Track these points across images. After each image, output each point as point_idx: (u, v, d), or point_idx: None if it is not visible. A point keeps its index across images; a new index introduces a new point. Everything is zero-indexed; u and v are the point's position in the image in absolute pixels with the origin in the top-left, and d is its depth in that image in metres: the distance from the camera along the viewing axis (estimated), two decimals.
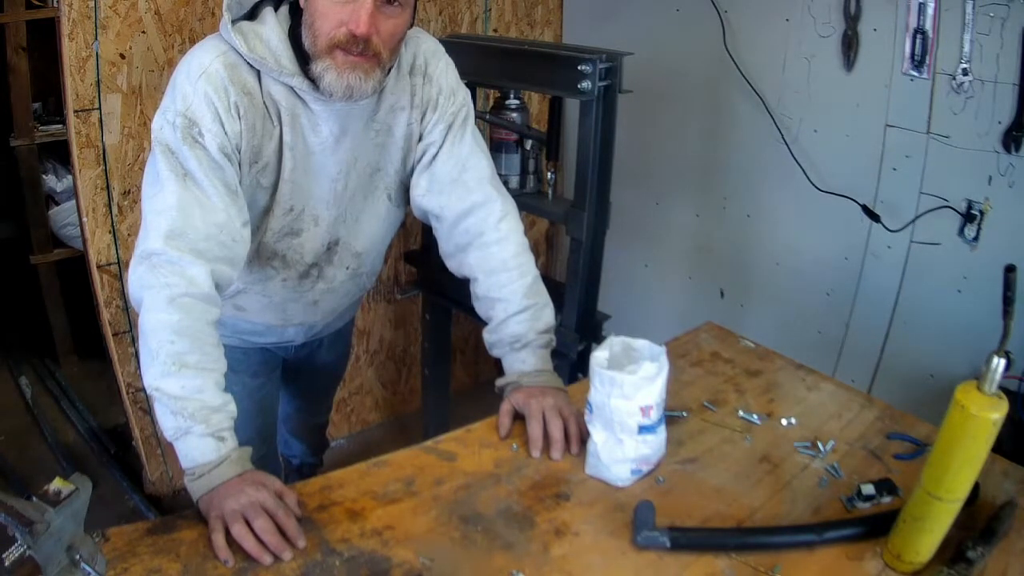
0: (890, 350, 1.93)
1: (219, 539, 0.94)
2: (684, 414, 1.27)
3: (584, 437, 1.14)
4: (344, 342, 1.80)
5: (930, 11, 1.66)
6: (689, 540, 0.98)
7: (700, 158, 2.29)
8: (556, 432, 1.17)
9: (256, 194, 1.20)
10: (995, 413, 0.83)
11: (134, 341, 1.98)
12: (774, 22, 1.98)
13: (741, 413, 1.27)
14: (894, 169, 1.83)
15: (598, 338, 1.84)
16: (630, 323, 1.62)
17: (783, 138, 2.00)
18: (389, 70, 1.19)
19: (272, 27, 1.13)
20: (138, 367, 1.17)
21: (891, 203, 1.84)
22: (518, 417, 1.23)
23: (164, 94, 1.13)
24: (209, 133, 1.09)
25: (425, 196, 1.31)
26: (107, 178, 1.84)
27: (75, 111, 1.75)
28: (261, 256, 1.28)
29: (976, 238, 1.70)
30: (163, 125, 1.10)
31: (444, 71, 1.30)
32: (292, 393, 1.79)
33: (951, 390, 0.86)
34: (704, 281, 2.38)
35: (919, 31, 1.69)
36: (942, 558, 0.93)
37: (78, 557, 0.83)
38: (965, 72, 1.64)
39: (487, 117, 1.92)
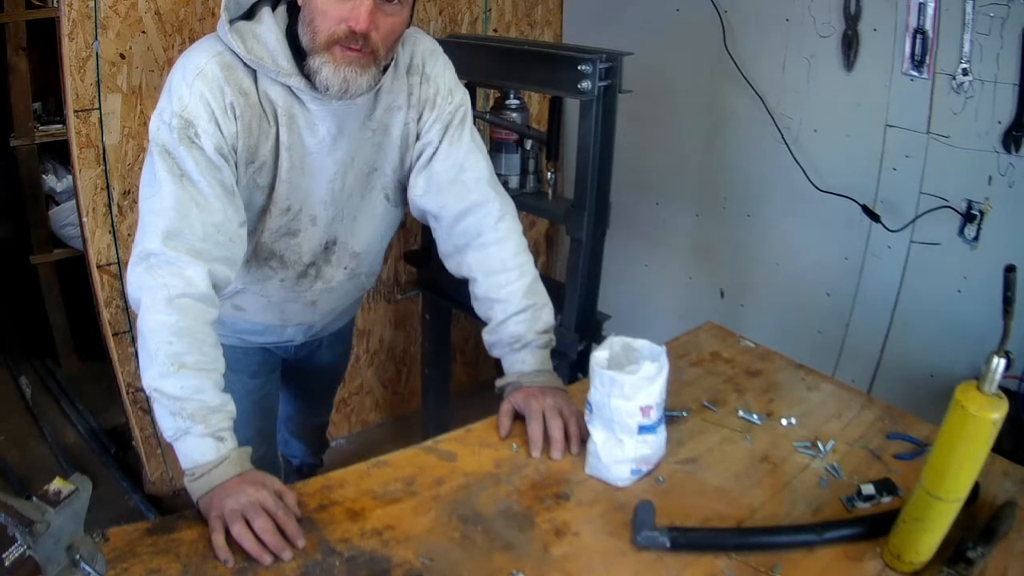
0: (890, 350, 1.93)
1: (219, 539, 0.94)
2: (684, 414, 1.27)
3: (584, 437, 1.14)
4: (344, 342, 1.80)
5: (930, 11, 1.66)
6: (689, 540, 0.98)
7: (700, 158, 2.29)
8: (556, 432, 1.17)
9: (253, 194, 1.20)
10: (995, 413, 0.83)
11: (134, 341, 1.98)
12: (774, 22, 1.98)
13: (741, 413, 1.27)
14: (894, 169, 1.83)
15: (598, 338, 1.84)
16: (630, 323, 1.62)
17: (783, 138, 2.00)
18: (385, 68, 1.19)
19: (269, 27, 1.13)
20: (138, 367, 1.16)
21: (891, 203, 1.84)
22: (518, 417, 1.23)
23: (160, 95, 1.13)
24: (205, 134, 1.09)
25: (423, 196, 1.31)
26: (107, 178, 1.84)
27: (75, 111, 1.75)
28: (259, 256, 1.28)
29: (976, 238, 1.70)
30: (160, 126, 1.10)
31: (442, 71, 1.30)
32: (292, 393, 1.79)
33: (951, 390, 0.86)
34: (704, 281, 2.38)
35: (919, 31, 1.69)
36: (942, 558, 0.93)
37: (78, 557, 0.83)
38: (965, 72, 1.64)
39: (487, 117, 1.92)
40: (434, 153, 1.29)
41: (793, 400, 1.32)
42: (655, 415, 1.08)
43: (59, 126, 2.66)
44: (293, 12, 1.15)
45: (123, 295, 1.94)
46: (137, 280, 1.07)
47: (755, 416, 1.26)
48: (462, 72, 1.36)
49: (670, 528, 0.98)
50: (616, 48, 1.66)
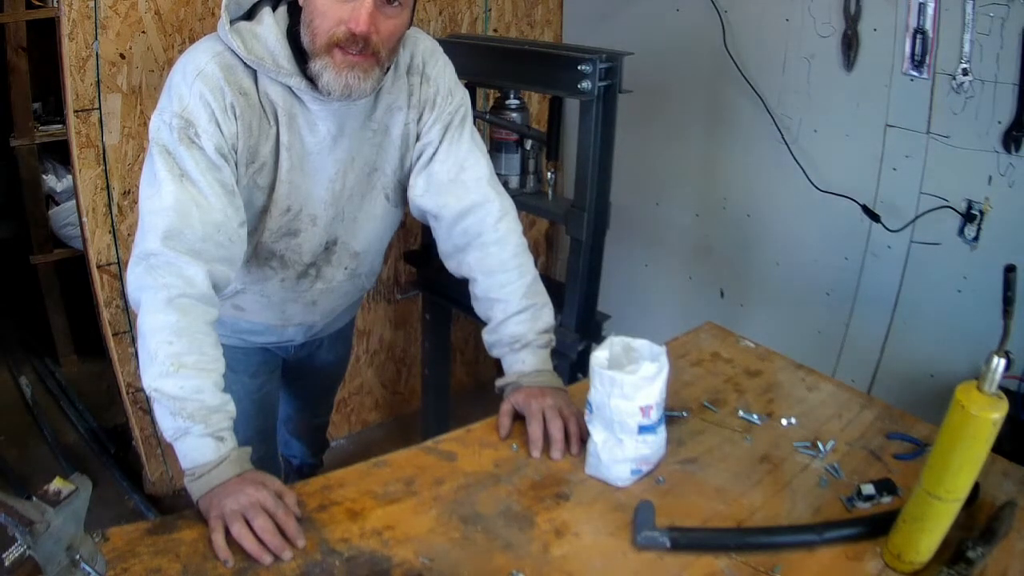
0: (890, 350, 1.93)
1: (219, 539, 0.94)
2: (684, 414, 1.27)
3: (584, 437, 1.14)
4: (344, 342, 1.80)
5: (930, 11, 1.66)
6: (689, 540, 0.98)
7: (700, 158, 2.29)
8: (556, 432, 1.17)
9: (253, 194, 1.20)
10: (995, 413, 0.83)
11: (134, 341, 1.98)
12: (774, 22, 1.98)
13: (741, 413, 1.27)
14: (894, 169, 1.83)
15: (598, 338, 1.84)
16: (630, 323, 1.62)
17: (783, 138, 2.00)
18: (387, 70, 1.19)
19: (270, 27, 1.13)
20: (138, 367, 1.17)
21: (891, 203, 1.84)
22: (518, 417, 1.23)
23: (160, 95, 1.13)
24: (205, 134, 1.09)
25: (423, 196, 1.31)
26: (107, 178, 1.84)
27: (75, 111, 1.76)
28: (259, 256, 1.28)
29: (976, 238, 1.70)
30: (160, 126, 1.10)
31: (442, 71, 1.30)
32: (292, 393, 1.79)
33: (951, 390, 0.86)
34: (704, 281, 2.38)
35: (919, 31, 1.69)
36: (942, 558, 0.93)
37: (78, 557, 0.83)
38: (965, 72, 1.64)
39: (487, 117, 1.92)
40: (434, 153, 1.29)
41: (793, 400, 1.32)
42: (655, 415, 1.08)
43: (59, 126, 2.66)
44: (294, 12, 1.15)
45: (123, 295, 1.94)
46: (137, 280, 1.07)
47: (755, 416, 1.26)
48: (462, 72, 1.36)
49: (670, 528, 0.98)
50: (616, 48, 1.66)
